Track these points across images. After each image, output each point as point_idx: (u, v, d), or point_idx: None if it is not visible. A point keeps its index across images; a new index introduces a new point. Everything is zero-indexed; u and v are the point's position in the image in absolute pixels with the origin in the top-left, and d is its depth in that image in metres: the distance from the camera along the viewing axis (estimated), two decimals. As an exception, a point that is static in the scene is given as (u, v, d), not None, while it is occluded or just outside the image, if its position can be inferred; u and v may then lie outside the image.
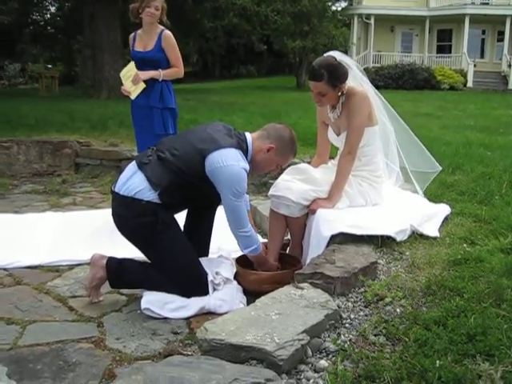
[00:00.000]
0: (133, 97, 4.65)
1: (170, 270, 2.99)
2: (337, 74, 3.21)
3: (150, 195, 2.92)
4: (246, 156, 3.05)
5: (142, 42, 4.74)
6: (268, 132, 3.14)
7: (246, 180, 2.96)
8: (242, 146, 3.02)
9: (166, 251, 2.98)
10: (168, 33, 4.71)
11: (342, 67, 3.24)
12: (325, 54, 3.38)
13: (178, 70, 4.77)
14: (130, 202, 2.94)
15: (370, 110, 3.33)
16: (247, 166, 2.96)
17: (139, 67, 4.72)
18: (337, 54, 3.32)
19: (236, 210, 2.95)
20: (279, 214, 3.27)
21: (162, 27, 4.73)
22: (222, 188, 2.91)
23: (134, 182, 2.96)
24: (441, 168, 3.90)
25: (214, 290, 3.06)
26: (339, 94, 3.28)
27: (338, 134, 3.46)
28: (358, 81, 3.45)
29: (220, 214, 3.24)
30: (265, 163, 3.17)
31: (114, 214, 3.06)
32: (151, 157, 3.04)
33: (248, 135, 3.13)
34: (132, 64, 4.65)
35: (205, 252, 3.38)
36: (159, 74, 4.63)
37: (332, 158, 3.69)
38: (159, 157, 3.01)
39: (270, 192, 3.30)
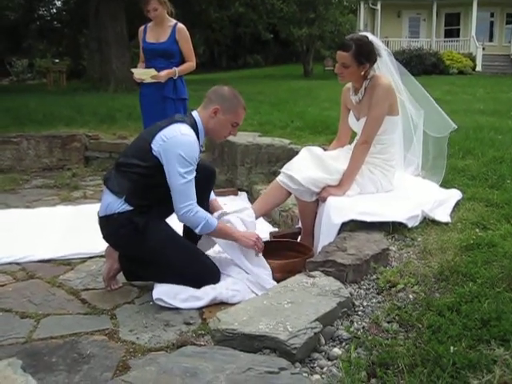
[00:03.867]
0: (146, 81, 4.74)
1: (173, 265, 3.01)
2: (364, 50, 3.24)
3: (118, 206, 2.95)
4: (197, 129, 3.04)
5: (155, 33, 4.81)
6: (209, 98, 3.13)
7: (195, 147, 2.94)
8: (186, 121, 3.02)
9: (159, 250, 2.99)
10: (182, 26, 4.80)
11: (371, 46, 3.28)
12: (360, 33, 3.41)
13: (191, 63, 4.88)
14: (105, 221, 3.02)
15: (393, 101, 3.33)
16: (192, 134, 2.96)
17: (151, 58, 4.80)
18: (370, 35, 3.36)
19: (186, 190, 2.90)
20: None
21: (174, 20, 4.81)
22: (170, 163, 2.87)
23: (103, 200, 3.05)
24: (456, 126, 3.87)
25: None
26: (362, 73, 3.28)
27: (358, 119, 3.45)
28: (387, 68, 3.44)
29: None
30: (219, 127, 3.12)
31: (103, 238, 3.13)
32: (112, 170, 3.12)
33: (194, 111, 3.14)
34: (152, 69, 4.69)
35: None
36: (174, 72, 4.71)
37: (350, 143, 3.69)
38: (116, 165, 3.09)
39: (284, 169, 3.31)
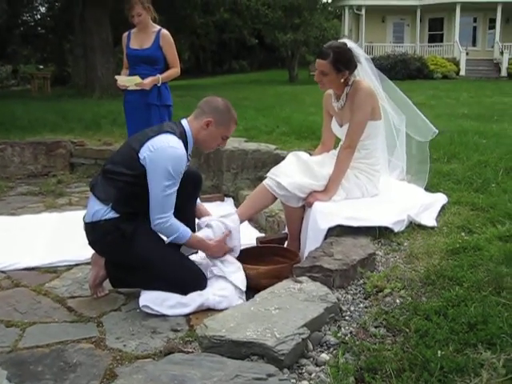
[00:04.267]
0: (130, 88, 4.71)
1: (159, 272, 2.99)
2: (342, 58, 3.25)
3: (104, 213, 2.94)
4: (186, 139, 3.03)
5: (138, 39, 4.79)
6: (202, 108, 3.11)
7: (182, 161, 2.92)
8: (176, 131, 3.00)
9: (145, 257, 2.97)
10: (166, 32, 4.79)
11: (349, 53, 3.29)
12: (339, 40, 3.42)
13: (175, 70, 4.86)
14: (91, 227, 3.01)
15: (375, 105, 3.34)
16: (181, 147, 2.93)
17: (135, 65, 4.78)
18: (349, 43, 3.37)
19: (166, 202, 2.90)
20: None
21: (158, 26, 4.80)
22: (155, 175, 2.86)
23: (90, 206, 3.03)
24: (437, 131, 3.89)
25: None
26: (342, 80, 3.29)
27: (341, 125, 3.46)
28: (367, 75, 3.46)
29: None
30: (210, 138, 3.12)
31: (88, 244, 3.11)
32: (98, 176, 3.10)
33: (184, 120, 3.12)
34: (137, 77, 4.67)
35: None
36: (158, 79, 4.69)
37: (335, 148, 3.70)
38: (103, 171, 3.07)
39: (270, 173, 3.31)
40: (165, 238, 3.05)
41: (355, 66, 3.33)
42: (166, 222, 2.92)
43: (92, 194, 3.05)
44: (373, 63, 3.62)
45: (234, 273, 3.09)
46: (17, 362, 2.42)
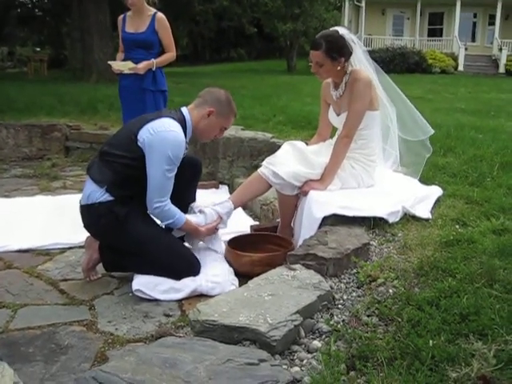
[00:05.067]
0: (125, 72, 4.68)
1: (152, 257, 2.99)
2: (335, 46, 3.23)
3: (99, 195, 2.93)
4: (185, 127, 3.03)
5: (134, 23, 4.72)
6: (204, 98, 3.13)
7: (182, 147, 2.92)
8: (176, 117, 3.00)
9: (139, 241, 2.97)
10: (161, 15, 4.71)
11: (341, 40, 3.26)
12: (331, 28, 3.40)
13: (171, 54, 4.79)
14: (86, 210, 3.00)
15: (373, 95, 3.34)
16: (181, 132, 2.93)
17: (130, 49, 4.72)
18: (341, 29, 3.35)
19: (164, 186, 2.91)
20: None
21: (154, 9, 4.72)
22: (155, 158, 2.85)
23: (85, 189, 3.02)
24: (433, 131, 3.88)
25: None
26: (338, 68, 3.28)
27: (338, 114, 3.45)
28: (362, 64, 3.43)
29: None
30: (209, 128, 3.13)
31: (84, 227, 3.10)
32: (95, 159, 3.09)
33: (184, 108, 3.12)
34: (129, 62, 4.63)
35: None
36: (152, 63, 4.64)
37: (331, 137, 3.69)
38: (100, 153, 3.06)
39: (266, 162, 3.30)
40: (159, 222, 3.05)
41: (350, 53, 3.31)
42: (164, 206, 2.92)
43: (88, 176, 3.04)
44: (371, 55, 3.60)
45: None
46: (8, 342, 2.42)
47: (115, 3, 15.78)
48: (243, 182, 3.52)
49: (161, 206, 2.91)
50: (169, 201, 2.95)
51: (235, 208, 3.31)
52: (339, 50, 3.24)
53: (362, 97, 3.26)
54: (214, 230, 3.21)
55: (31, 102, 8.73)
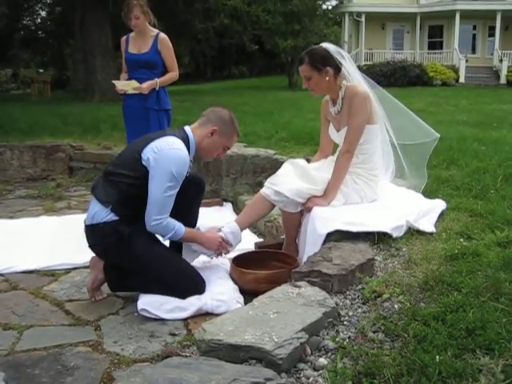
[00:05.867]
0: (129, 92, 4.73)
1: (158, 276, 3.00)
2: (317, 57, 3.32)
3: (104, 215, 2.94)
4: (189, 146, 3.04)
5: (137, 44, 4.78)
6: (207, 117, 3.15)
7: (186, 164, 2.94)
8: (179, 136, 3.02)
9: (144, 261, 2.98)
10: (164, 36, 4.77)
11: (323, 51, 3.35)
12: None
13: (174, 73, 4.86)
14: (91, 230, 3.01)
15: (371, 109, 3.34)
16: (185, 150, 2.95)
17: (133, 69, 4.78)
18: (325, 44, 3.44)
19: (165, 204, 2.92)
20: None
21: (156, 30, 4.79)
22: (158, 175, 2.87)
23: (90, 208, 3.03)
24: (438, 135, 3.85)
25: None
26: (327, 79, 3.31)
27: (338, 130, 3.47)
28: (353, 76, 3.45)
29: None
30: (212, 147, 3.16)
31: (88, 247, 3.11)
32: (100, 179, 3.11)
33: (187, 127, 3.14)
34: (133, 81, 4.67)
35: None
36: (156, 83, 4.69)
37: (332, 154, 3.70)
38: (104, 173, 3.08)
39: (268, 182, 3.31)
40: (160, 238, 3.05)
41: (336, 64, 3.33)
42: (162, 222, 2.93)
43: (93, 195, 3.05)
44: (372, 69, 3.62)
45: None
46: (14, 364, 2.42)
47: (117, 24, 15.94)
48: (246, 205, 3.53)
49: (159, 222, 2.92)
50: (168, 217, 2.96)
51: (241, 231, 3.32)
52: (321, 60, 3.30)
53: (360, 111, 3.28)
54: (216, 236, 3.20)
55: (35, 122, 8.80)
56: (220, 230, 3.27)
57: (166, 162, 2.87)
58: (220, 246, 3.22)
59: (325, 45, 3.41)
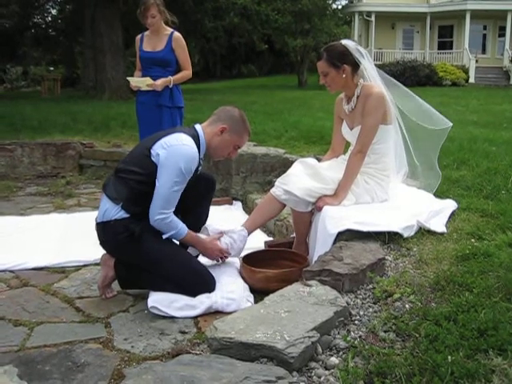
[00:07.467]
0: (143, 88, 4.76)
1: (168, 274, 3.00)
2: (334, 53, 3.31)
3: (115, 212, 2.95)
4: (199, 143, 3.04)
5: (151, 42, 4.84)
6: (218, 115, 3.16)
7: (195, 160, 2.95)
8: (189, 133, 3.02)
9: (154, 258, 2.98)
10: (178, 34, 4.84)
11: (342, 48, 3.33)
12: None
13: (187, 72, 4.91)
14: (102, 227, 3.02)
15: (386, 109, 3.34)
16: (194, 146, 2.95)
17: (147, 67, 4.84)
18: (345, 41, 3.42)
19: (171, 199, 2.92)
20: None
21: (170, 29, 4.84)
22: (167, 170, 2.88)
23: (101, 206, 3.04)
24: (451, 124, 3.78)
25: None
26: (344, 76, 3.31)
27: (351, 128, 3.46)
28: (370, 75, 3.44)
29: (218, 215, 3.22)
30: (222, 145, 3.15)
31: (99, 244, 3.12)
32: (111, 176, 3.12)
33: (197, 125, 3.15)
34: (148, 78, 4.71)
35: None
36: (170, 80, 4.73)
37: (344, 153, 3.69)
38: (115, 171, 3.09)
39: (278, 182, 3.31)
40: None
41: (354, 62, 3.33)
42: (166, 217, 2.93)
43: (104, 193, 3.06)
44: (381, 69, 3.61)
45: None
46: (24, 361, 2.43)
47: (127, 22, 16.00)
48: (257, 206, 3.53)
49: (163, 217, 2.92)
50: (172, 213, 2.96)
51: (250, 233, 3.34)
52: (340, 57, 3.29)
53: (374, 111, 3.27)
54: (216, 242, 3.21)
55: (45, 120, 8.83)
56: (223, 234, 3.27)
57: (175, 158, 2.88)
58: (218, 257, 3.25)
59: (344, 41, 3.39)
